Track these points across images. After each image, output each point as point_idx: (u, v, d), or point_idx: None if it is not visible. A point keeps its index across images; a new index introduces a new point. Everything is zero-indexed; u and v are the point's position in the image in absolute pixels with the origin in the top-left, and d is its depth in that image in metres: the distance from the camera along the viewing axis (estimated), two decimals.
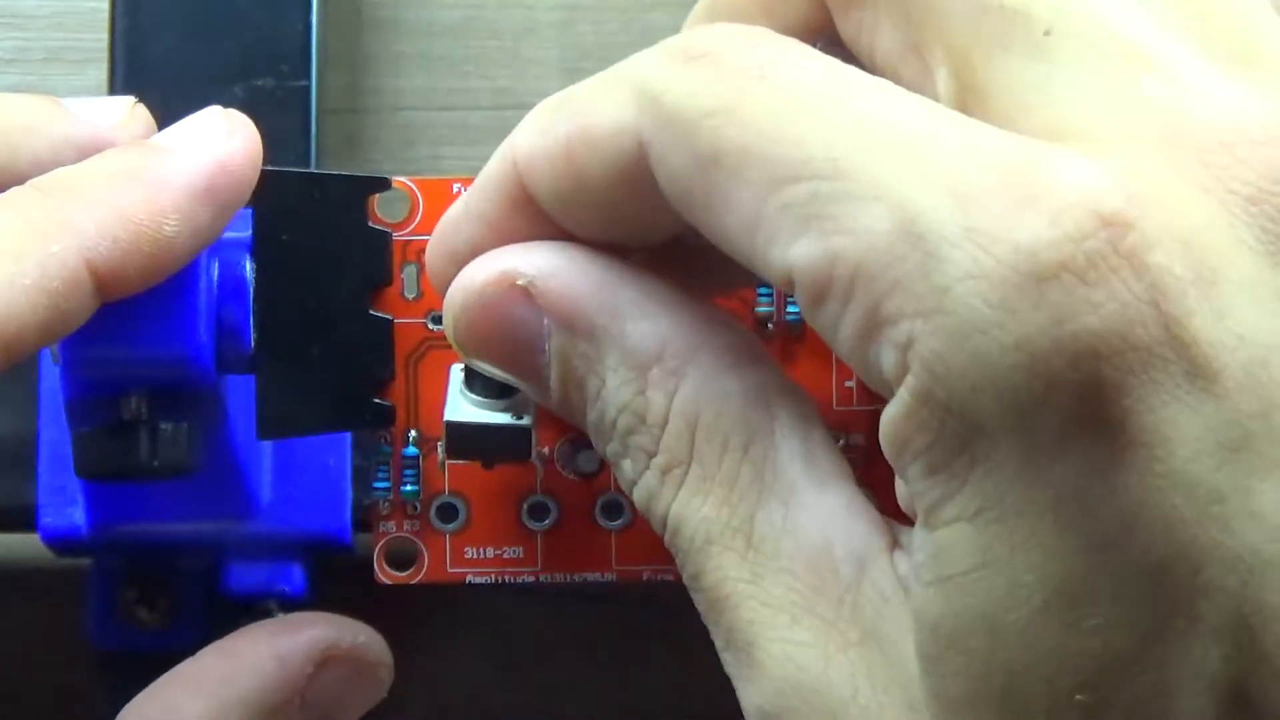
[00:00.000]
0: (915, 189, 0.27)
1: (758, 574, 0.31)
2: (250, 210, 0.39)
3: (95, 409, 0.39)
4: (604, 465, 0.40)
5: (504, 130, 0.50)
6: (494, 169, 0.33)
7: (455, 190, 0.40)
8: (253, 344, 0.39)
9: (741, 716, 0.49)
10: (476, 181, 0.34)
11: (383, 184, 0.39)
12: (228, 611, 0.45)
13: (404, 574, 0.40)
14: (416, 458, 0.40)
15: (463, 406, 0.36)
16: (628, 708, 0.50)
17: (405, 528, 0.40)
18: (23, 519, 0.44)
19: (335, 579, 0.46)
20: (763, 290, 0.40)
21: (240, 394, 0.40)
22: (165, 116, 0.46)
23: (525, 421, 0.36)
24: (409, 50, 0.51)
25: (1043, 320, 0.27)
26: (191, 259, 0.37)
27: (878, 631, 0.29)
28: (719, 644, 0.32)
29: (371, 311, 0.39)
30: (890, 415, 0.28)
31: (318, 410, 0.39)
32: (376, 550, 0.40)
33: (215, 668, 0.40)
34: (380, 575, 0.40)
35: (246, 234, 0.39)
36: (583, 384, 0.32)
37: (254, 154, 0.37)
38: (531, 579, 0.40)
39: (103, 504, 0.43)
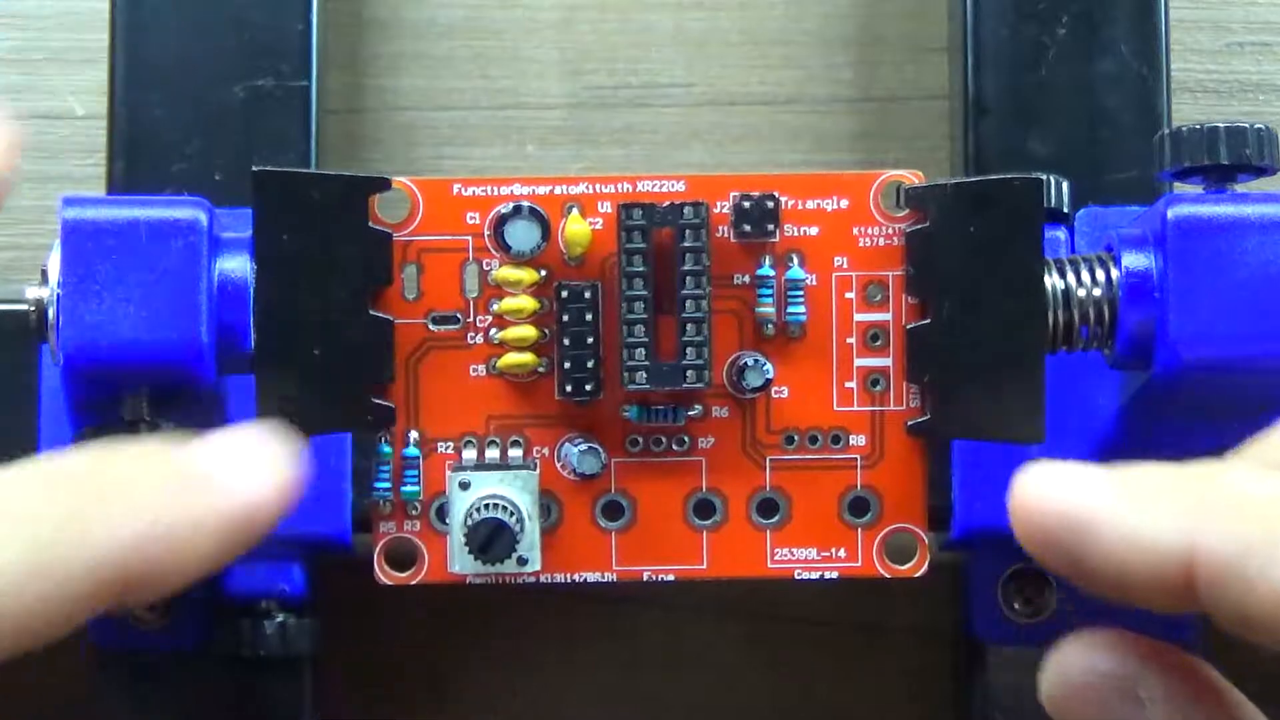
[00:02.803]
0: None
1: None
2: (250, 210, 0.39)
3: (95, 409, 0.39)
4: (604, 466, 0.40)
5: (504, 130, 0.51)
6: (1154, 534, 0.30)
7: (455, 190, 0.40)
8: (253, 344, 0.39)
9: (740, 713, 0.50)
10: (1106, 516, 0.31)
11: (383, 184, 0.39)
12: (228, 611, 0.45)
13: (404, 574, 0.40)
14: (416, 458, 0.40)
15: None
16: (628, 708, 0.50)
17: (405, 528, 0.40)
18: None
19: (335, 579, 0.46)
20: (763, 290, 0.40)
21: (240, 394, 0.40)
22: (165, 116, 0.46)
23: None
24: (409, 50, 0.51)
25: None
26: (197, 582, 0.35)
27: None
28: None
29: (371, 311, 0.39)
30: None
31: (318, 410, 0.39)
32: (376, 550, 0.40)
33: None
34: (380, 575, 0.40)
35: (246, 234, 0.39)
36: None
37: (292, 495, 0.35)
38: (532, 579, 0.40)
39: None
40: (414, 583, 0.40)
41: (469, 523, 0.39)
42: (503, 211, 0.40)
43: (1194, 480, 0.31)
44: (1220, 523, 0.29)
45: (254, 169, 0.39)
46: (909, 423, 0.40)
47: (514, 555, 0.39)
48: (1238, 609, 0.29)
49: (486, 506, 0.39)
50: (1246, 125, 0.40)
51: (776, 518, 0.40)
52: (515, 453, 0.40)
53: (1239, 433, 0.40)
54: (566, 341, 0.39)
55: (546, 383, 0.40)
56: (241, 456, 0.35)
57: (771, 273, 0.40)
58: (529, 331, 0.40)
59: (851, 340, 0.40)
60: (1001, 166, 0.45)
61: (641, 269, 0.39)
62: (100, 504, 0.33)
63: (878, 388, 0.40)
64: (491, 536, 0.39)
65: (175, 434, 0.38)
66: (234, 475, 0.35)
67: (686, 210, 0.39)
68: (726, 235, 0.40)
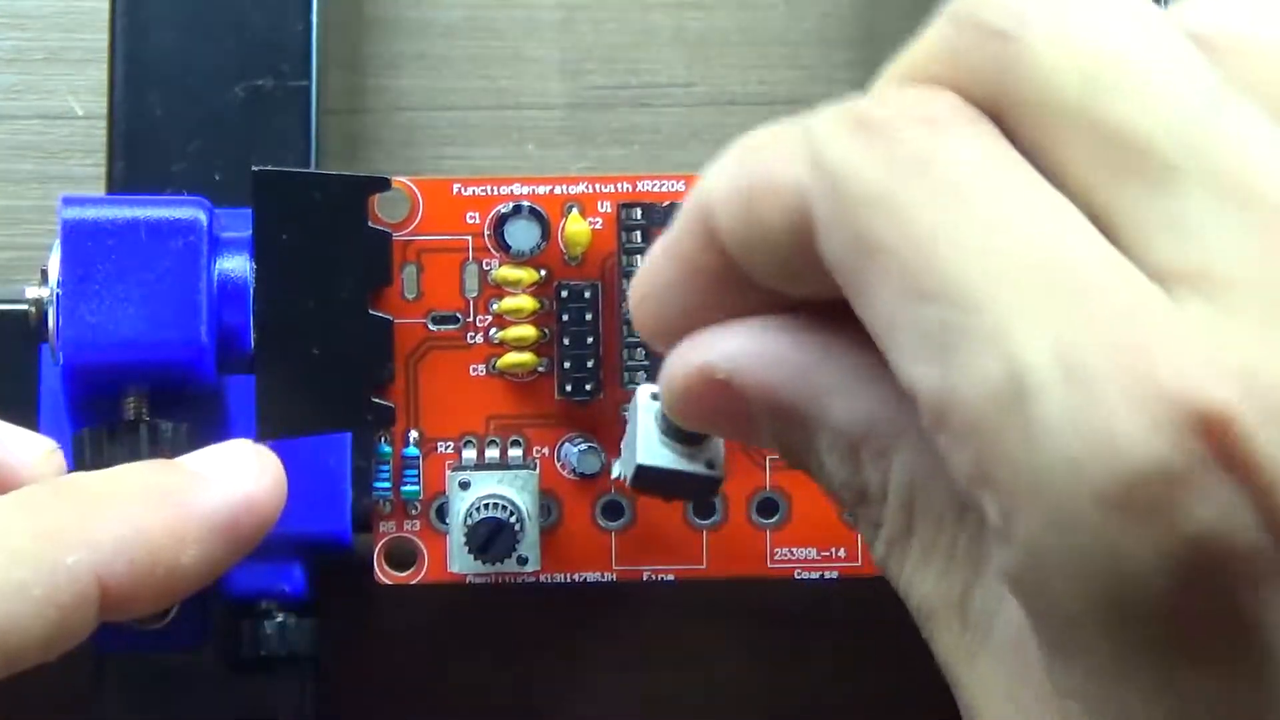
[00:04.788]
0: (1029, 343, 0.27)
1: (972, 653, 0.30)
2: (250, 210, 0.39)
3: (95, 409, 0.39)
4: (604, 466, 0.40)
5: (504, 130, 0.51)
6: (688, 209, 0.32)
7: (455, 190, 0.40)
8: (253, 344, 0.39)
9: (740, 713, 0.50)
10: (674, 223, 0.32)
11: (383, 184, 0.39)
12: (228, 612, 0.45)
13: (404, 574, 0.40)
14: (416, 458, 0.40)
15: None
16: (628, 707, 0.50)
17: (405, 528, 0.40)
18: None
19: (335, 579, 0.46)
20: None
21: (240, 394, 0.40)
22: (165, 116, 0.46)
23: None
24: (409, 50, 0.51)
25: (1143, 533, 0.26)
26: (197, 590, 0.35)
27: None
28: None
29: (371, 311, 0.39)
30: (1001, 566, 0.28)
31: (318, 410, 0.39)
32: (376, 550, 0.40)
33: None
34: (380, 575, 0.40)
35: (246, 234, 0.39)
36: (804, 462, 0.32)
37: (279, 495, 0.36)
38: (531, 579, 0.40)
39: None
40: (414, 583, 0.40)
41: (469, 522, 0.39)
42: (503, 211, 0.40)
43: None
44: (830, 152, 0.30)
45: (254, 169, 0.39)
46: None
47: (514, 554, 0.39)
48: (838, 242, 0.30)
49: (486, 506, 0.39)
50: None
51: (776, 517, 0.40)
52: (515, 452, 0.40)
53: None
54: (566, 341, 0.39)
55: (546, 382, 0.40)
56: (222, 462, 0.36)
57: None
58: (529, 331, 0.40)
59: None
60: None
61: None
62: (78, 516, 0.33)
63: None
64: (492, 536, 0.39)
65: (171, 435, 0.38)
66: (215, 479, 0.35)
67: None
68: None
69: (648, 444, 0.34)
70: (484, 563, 0.39)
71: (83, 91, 0.50)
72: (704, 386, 0.32)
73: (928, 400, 0.28)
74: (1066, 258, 0.28)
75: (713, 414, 0.32)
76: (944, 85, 0.30)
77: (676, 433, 0.34)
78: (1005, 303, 0.27)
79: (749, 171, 0.31)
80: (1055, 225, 0.28)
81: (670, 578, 0.40)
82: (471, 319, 0.40)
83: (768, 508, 0.40)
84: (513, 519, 0.39)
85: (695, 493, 0.35)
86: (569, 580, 0.40)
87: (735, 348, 0.31)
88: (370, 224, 0.39)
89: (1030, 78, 0.29)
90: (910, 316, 0.28)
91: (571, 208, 0.40)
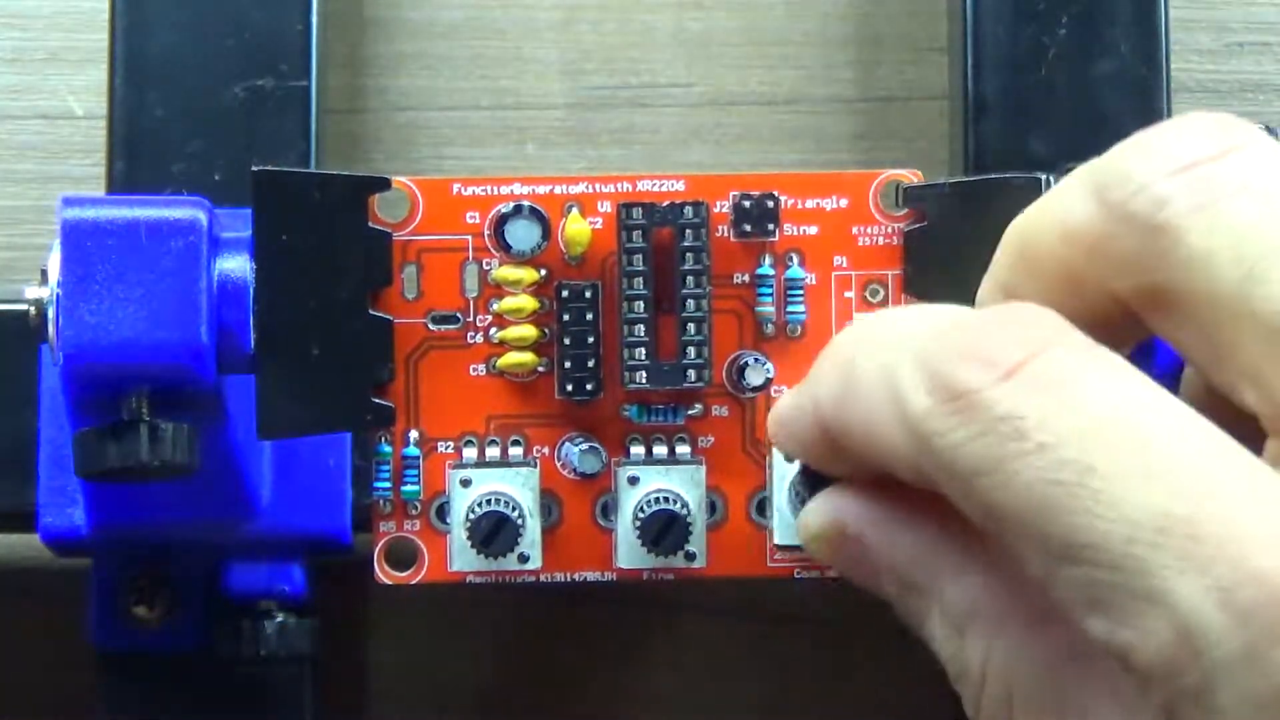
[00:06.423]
0: (1189, 597, 0.27)
1: None
2: (250, 210, 0.39)
3: (95, 409, 0.39)
4: (605, 466, 0.40)
5: (504, 130, 0.51)
6: (802, 403, 0.35)
7: (455, 190, 0.40)
8: (253, 344, 0.39)
9: (739, 713, 0.50)
10: (784, 403, 0.36)
11: (383, 184, 0.39)
12: (228, 611, 0.45)
13: (404, 574, 0.40)
14: (416, 458, 0.40)
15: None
16: (627, 707, 0.50)
17: (405, 528, 0.40)
18: (23, 519, 0.44)
19: (335, 579, 0.46)
20: (762, 289, 0.40)
21: (240, 394, 0.40)
22: (165, 116, 0.46)
23: None
24: (410, 50, 0.51)
25: None
26: None
27: None
28: None
29: (371, 311, 0.39)
30: None
31: (318, 410, 0.39)
32: (376, 550, 0.40)
33: None
34: (380, 575, 0.40)
35: (246, 234, 0.39)
36: (917, 624, 0.34)
37: None
38: (531, 579, 0.40)
39: (103, 504, 0.43)
40: (414, 582, 0.40)
41: (470, 518, 0.39)
42: (503, 211, 0.40)
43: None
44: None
45: (254, 169, 0.39)
46: None
47: (516, 551, 0.39)
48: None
49: (488, 502, 0.39)
50: None
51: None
52: (515, 452, 0.40)
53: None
54: (566, 341, 0.39)
55: (546, 382, 0.40)
56: None
57: (771, 272, 0.40)
58: (529, 331, 0.40)
59: None
60: (1001, 166, 0.45)
61: (641, 268, 0.39)
62: None
63: None
64: (494, 530, 0.39)
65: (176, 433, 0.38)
66: None
67: (686, 210, 0.39)
68: (726, 235, 0.40)
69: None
70: (486, 557, 0.39)
71: (83, 91, 0.50)
72: (837, 539, 0.34)
73: (1110, 649, 0.29)
74: (1210, 509, 0.28)
75: (843, 560, 0.34)
76: (1083, 271, 0.31)
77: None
78: (1147, 555, 0.28)
79: (852, 417, 0.33)
80: (1197, 472, 0.28)
81: (670, 577, 0.40)
82: (471, 319, 0.40)
83: (768, 507, 0.40)
84: (515, 514, 0.39)
85: None
86: (569, 580, 0.40)
87: (866, 513, 0.34)
88: (370, 224, 0.39)
89: (1187, 271, 0.30)
90: (1059, 576, 0.29)
91: (571, 208, 0.40)
